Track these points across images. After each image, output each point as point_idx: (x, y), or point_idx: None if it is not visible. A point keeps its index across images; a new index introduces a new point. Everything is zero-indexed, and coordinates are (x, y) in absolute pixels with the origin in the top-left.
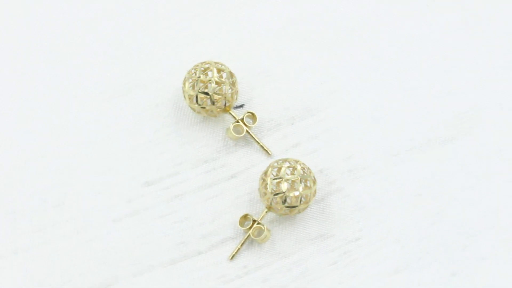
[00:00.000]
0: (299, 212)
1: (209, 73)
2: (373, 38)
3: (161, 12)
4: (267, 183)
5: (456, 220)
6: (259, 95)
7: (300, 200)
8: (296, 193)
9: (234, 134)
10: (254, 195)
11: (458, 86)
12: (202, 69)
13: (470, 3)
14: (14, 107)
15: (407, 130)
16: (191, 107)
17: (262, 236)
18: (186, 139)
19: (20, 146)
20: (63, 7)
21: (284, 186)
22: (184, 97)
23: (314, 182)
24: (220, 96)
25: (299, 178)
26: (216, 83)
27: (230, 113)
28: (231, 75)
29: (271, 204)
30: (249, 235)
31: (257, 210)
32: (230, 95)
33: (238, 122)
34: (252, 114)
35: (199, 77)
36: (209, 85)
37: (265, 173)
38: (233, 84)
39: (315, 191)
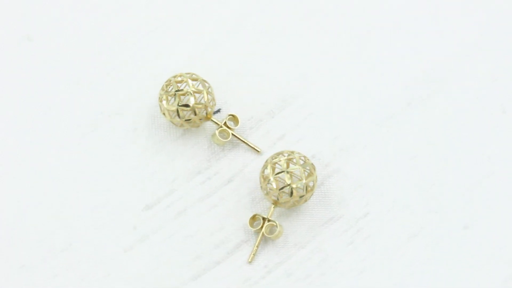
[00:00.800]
0: (305, 201)
1: (184, 85)
2: (331, 17)
3: (115, 37)
4: (270, 180)
5: (457, 174)
6: (233, 96)
7: (306, 189)
8: (302, 183)
9: (221, 139)
10: (255, 194)
11: (421, 44)
12: (176, 82)
13: None
14: None
15: (384, 98)
16: (173, 122)
17: (276, 233)
18: (173, 155)
19: (15, 197)
20: (25, 50)
21: (288, 179)
22: (164, 114)
23: (314, 168)
24: (200, 106)
25: (300, 168)
26: (194, 93)
27: (212, 120)
28: (205, 82)
29: (277, 199)
30: (262, 234)
31: (262, 208)
32: (209, 102)
33: (222, 127)
34: (233, 116)
35: (176, 91)
36: (188, 97)
37: (264, 170)
38: (209, 91)
39: (316, 177)
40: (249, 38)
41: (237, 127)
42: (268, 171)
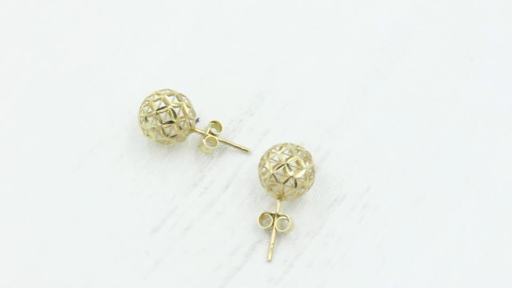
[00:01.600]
0: (308, 188)
1: (159, 103)
2: (285, 9)
3: (75, 71)
4: (272, 175)
5: (443, 127)
6: (208, 103)
7: (309, 177)
8: (303, 172)
9: (209, 147)
10: (255, 193)
11: (377, 11)
12: (153, 101)
13: None
14: None
15: (353, 72)
16: (158, 142)
17: (289, 226)
18: (164, 174)
19: (24, 245)
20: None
21: (289, 171)
22: (148, 135)
23: (310, 154)
24: (184, 119)
25: (297, 157)
26: (175, 108)
27: (196, 131)
28: (181, 95)
29: (283, 193)
30: (275, 230)
31: (267, 205)
32: (191, 114)
33: (207, 135)
34: (216, 122)
35: (157, 110)
36: (171, 113)
37: (263, 168)
38: (188, 103)
39: (314, 163)
40: (209, 43)
41: (221, 132)
42: (268, 167)
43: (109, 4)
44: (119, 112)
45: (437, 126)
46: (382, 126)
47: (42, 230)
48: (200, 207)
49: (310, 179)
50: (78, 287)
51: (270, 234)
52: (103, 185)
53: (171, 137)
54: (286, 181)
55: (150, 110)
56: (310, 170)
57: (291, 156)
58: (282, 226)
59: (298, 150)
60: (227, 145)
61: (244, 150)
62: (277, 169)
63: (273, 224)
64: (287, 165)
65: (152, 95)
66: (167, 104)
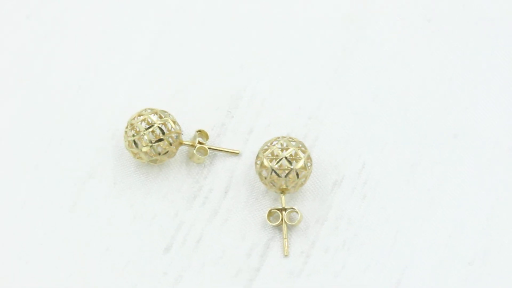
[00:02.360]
0: (308, 177)
1: (141, 123)
2: (240, 8)
3: (50, 109)
4: (272, 170)
5: (425, 91)
6: (186, 114)
7: (308, 165)
8: (302, 162)
9: (201, 157)
10: (256, 193)
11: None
12: (139, 122)
13: None
14: None
15: (323, 54)
16: (151, 162)
17: (299, 218)
18: (161, 192)
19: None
20: None
21: (289, 163)
22: (140, 157)
23: (303, 143)
24: (171, 134)
25: (294, 148)
26: (162, 125)
27: (185, 144)
28: (163, 111)
29: (286, 186)
30: (286, 224)
31: (270, 201)
32: (177, 128)
33: (197, 145)
34: (201, 131)
35: (145, 130)
36: (158, 131)
37: (262, 165)
38: (172, 117)
39: (309, 151)
40: (173, 53)
41: (208, 140)
42: (267, 164)
43: (70, 36)
44: (101, 140)
45: (414, 91)
46: (362, 102)
47: (52, 274)
48: (205, 217)
49: (309, 168)
50: None
51: (280, 229)
52: (103, 216)
53: (163, 154)
54: (288, 174)
55: (135, 133)
56: (307, 159)
57: (287, 149)
58: (291, 219)
59: (291, 141)
60: (216, 151)
61: (234, 152)
62: (276, 164)
63: (282, 219)
64: (285, 158)
65: (135, 117)
66: (152, 123)
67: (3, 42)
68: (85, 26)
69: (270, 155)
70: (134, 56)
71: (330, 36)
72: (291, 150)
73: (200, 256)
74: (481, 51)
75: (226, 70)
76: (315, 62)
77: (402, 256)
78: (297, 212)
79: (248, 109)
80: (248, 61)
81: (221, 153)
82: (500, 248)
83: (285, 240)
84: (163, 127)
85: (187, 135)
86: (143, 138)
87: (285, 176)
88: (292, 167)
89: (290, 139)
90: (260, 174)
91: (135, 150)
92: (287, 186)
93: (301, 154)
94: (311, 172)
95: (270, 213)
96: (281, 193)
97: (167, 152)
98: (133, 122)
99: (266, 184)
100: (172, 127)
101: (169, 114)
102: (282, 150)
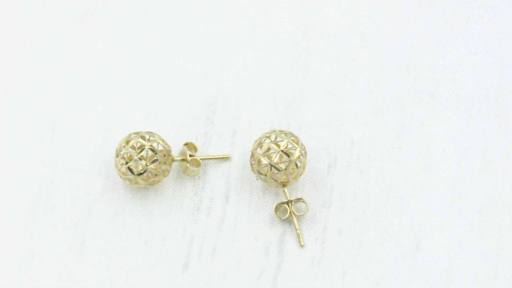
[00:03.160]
0: (305, 165)
1: (125, 152)
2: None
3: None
4: (272, 166)
5: (392, 55)
6: (166, 129)
7: (303, 154)
8: (298, 151)
9: (195, 169)
10: (256, 192)
11: None
12: (129, 149)
13: None
14: None
15: (286, 43)
16: (148, 184)
17: (306, 206)
18: (164, 212)
19: None
20: None
21: (287, 155)
22: (137, 183)
23: (291, 133)
24: (163, 152)
25: (288, 139)
26: (152, 145)
27: (176, 160)
28: (148, 132)
29: (287, 179)
30: (296, 215)
31: (272, 198)
32: (166, 146)
33: (189, 158)
34: (188, 144)
35: (137, 155)
36: (150, 152)
37: (259, 164)
38: (159, 136)
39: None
40: (140, 74)
41: (198, 152)
42: (265, 161)
43: (34, 79)
44: (90, 176)
45: (381, 59)
46: (335, 81)
47: None
48: (213, 226)
49: (304, 155)
50: None
51: (289, 222)
52: (114, 249)
53: (160, 174)
54: (287, 166)
55: (127, 160)
56: (301, 147)
57: (280, 141)
58: (299, 210)
59: (281, 133)
60: (206, 160)
61: (224, 157)
62: (274, 158)
63: (290, 211)
64: (282, 151)
65: (122, 144)
66: (142, 146)
67: None
68: (48, 69)
69: (265, 151)
70: (102, 85)
71: (287, 24)
72: (285, 142)
73: (219, 265)
74: (445, 10)
75: (195, 80)
76: (279, 53)
77: (414, 220)
78: (304, 201)
79: (225, 113)
80: (214, 66)
81: (211, 161)
82: (504, 193)
83: (298, 231)
84: (154, 148)
85: (174, 151)
86: (137, 163)
87: (285, 169)
88: (290, 158)
89: (280, 132)
90: (258, 172)
91: (131, 177)
92: (288, 179)
93: (294, 144)
94: (306, 159)
95: (277, 208)
96: (283, 186)
97: (163, 171)
98: (122, 149)
99: (266, 181)
100: (161, 145)
101: (154, 134)
102: (276, 144)
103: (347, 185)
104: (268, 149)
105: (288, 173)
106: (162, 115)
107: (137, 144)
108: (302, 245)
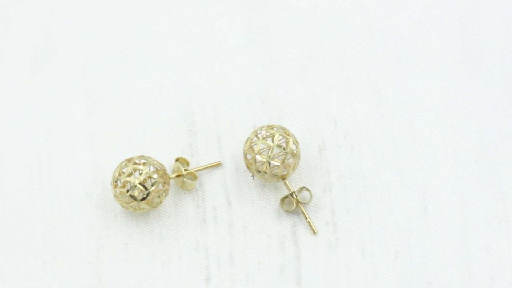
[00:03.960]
0: (300, 153)
1: (134, 174)
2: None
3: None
4: (268, 163)
5: (354, 28)
6: (151, 149)
7: (296, 143)
8: (291, 141)
9: (192, 182)
10: (256, 191)
11: None
12: (127, 177)
13: None
14: None
15: (247, 40)
16: (152, 208)
17: (310, 194)
18: (173, 232)
19: None
20: None
21: (283, 148)
22: (142, 209)
23: (279, 126)
24: (160, 173)
25: (279, 132)
26: (147, 173)
27: (172, 178)
28: (140, 157)
29: (286, 172)
30: (302, 205)
31: (273, 193)
32: (161, 165)
33: (185, 172)
34: (179, 159)
35: (135, 181)
36: (147, 175)
37: (256, 162)
38: (150, 158)
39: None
40: (111, 98)
41: (190, 165)
42: (263, 159)
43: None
44: (90, 211)
45: (342, 33)
46: (302, 63)
47: None
48: (224, 234)
49: (298, 144)
50: None
51: (295, 214)
52: (133, 278)
53: (162, 195)
54: (285, 158)
55: (128, 188)
56: (293, 137)
57: (272, 136)
58: (304, 198)
59: (270, 128)
60: (200, 171)
61: (216, 164)
62: (270, 154)
63: (297, 202)
64: (276, 145)
65: (118, 173)
66: (140, 170)
67: None
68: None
69: (260, 149)
70: (76, 122)
71: (242, 22)
72: (277, 136)
73: (240, 271)
74: None
75: (166, 94)
76: (242, 51)
77: (415, 185)
78: (307, 189)
79: (205, 121)
80: (181, 77)
81: (204, 170)
82: (493, 138)
83: (309, 219)
84: (149, 171)
85: (167, 169)
86: (138, 188)
87: (283, 162)
88: (286, 151)
89: (269, 127)
90: (257, 171)
91: (134, 204)
92: (288, 171)
93: (286, 136)
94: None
95: (282, 202)
96: (283, 179)
97: (164, 191)
98: (119, 179)
99: (266, 179)
100: (156, 166)
101: (146, 157)
102: (268, 140)
103: (342, 164)
104: (262, 146)
105: (286, 165)
106: (144, 136)
107: (132, 171)
108: (315, 233)
